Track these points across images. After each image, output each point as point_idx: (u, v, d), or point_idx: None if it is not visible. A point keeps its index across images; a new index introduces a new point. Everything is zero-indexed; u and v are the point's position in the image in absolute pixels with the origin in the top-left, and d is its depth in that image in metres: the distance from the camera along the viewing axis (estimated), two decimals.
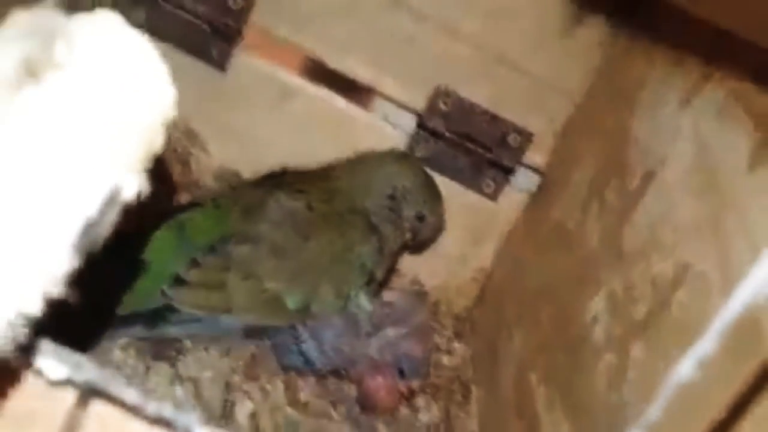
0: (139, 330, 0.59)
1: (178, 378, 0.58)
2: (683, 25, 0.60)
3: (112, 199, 0.24)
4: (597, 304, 0.59)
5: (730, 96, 0.54)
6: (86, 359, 0.22)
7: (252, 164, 0.78)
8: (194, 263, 0.60)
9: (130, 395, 0.23)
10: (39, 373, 0.22)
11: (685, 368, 0.18)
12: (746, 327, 0.17)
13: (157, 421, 0.23)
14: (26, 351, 0.21)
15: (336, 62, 0.76)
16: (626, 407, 0.52)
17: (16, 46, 0.22)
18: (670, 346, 0.49)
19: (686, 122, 0.59)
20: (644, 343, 0.52)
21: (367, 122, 0.78)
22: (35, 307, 0.20)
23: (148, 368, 0.58)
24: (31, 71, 0.22)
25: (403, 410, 0.65)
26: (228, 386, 0.59)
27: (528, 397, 0.63)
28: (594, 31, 0.74)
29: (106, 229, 0.24)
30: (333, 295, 0.63)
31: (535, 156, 0.77)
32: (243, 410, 0.58)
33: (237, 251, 0.61)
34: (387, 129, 0.79)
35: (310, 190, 0.66)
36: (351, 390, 0.65)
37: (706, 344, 0.18)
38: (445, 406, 0.67)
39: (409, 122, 0.78)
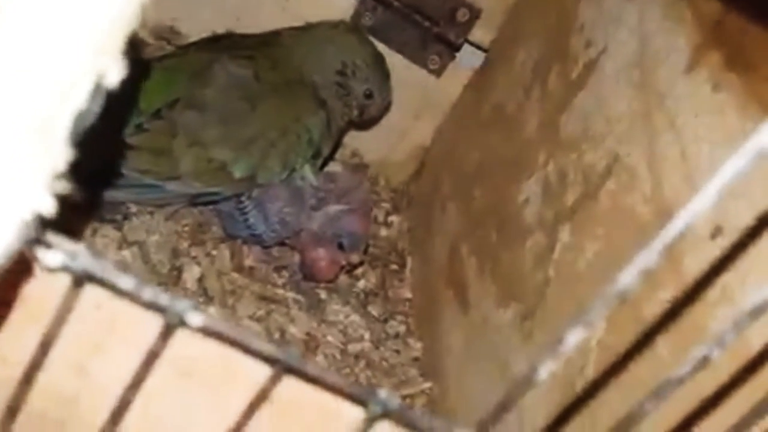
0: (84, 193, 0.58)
1: (125, 241, 0.58)
2: None
3: (97, 87, 0.24)
4: (530, 187, 0.63)
5: None
6: (82, 248, 0.23)
7: (190, 21, 0.74)
8: (140, 128, 0.59)
9: (125, 282, 0.24)
10: (36, 260, 0.23)
11: (626, 277, 0.21)
12: (677, 244, 0.20)
13: (151, 306, 0.24)
14: (31, 243, 0.22)
15: None
16: (550, 283, 0.57)
17: None
18: (598, 232, 0.54)
19: (632, 13, 0.60)
20: (572, 228, 0.57)
21: None
22: (47, 205, 0.21)
23: (95, 231, 0.58)
24: None
25: (342, 277, 0.68)
26: (175, 251, 0.60)
27: (459, 267, 0.67)
28: None
29: (91, 118, 0.24)
30: (279, 166, 0.64)
31: (482, 33, 0.77)
32: (191, 274, 0.60)
33: (183, 117, 0.60)
34: None
35: (257, 57, 0.64)
36: (294, 257, 0.68)
37: (648, 257, 0.21)
38: (381, 275, 0.71)
39: None
